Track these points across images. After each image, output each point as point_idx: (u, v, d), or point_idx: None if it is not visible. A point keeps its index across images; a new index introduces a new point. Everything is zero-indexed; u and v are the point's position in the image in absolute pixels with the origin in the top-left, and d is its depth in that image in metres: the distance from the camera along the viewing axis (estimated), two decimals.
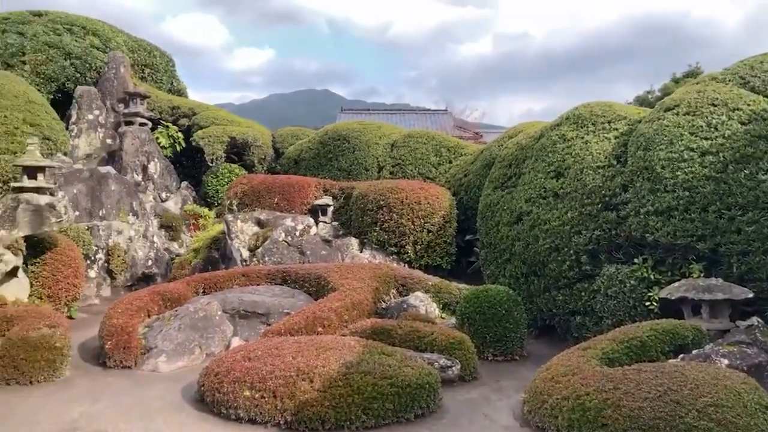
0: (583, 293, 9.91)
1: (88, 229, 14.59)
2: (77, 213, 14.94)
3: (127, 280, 15.33)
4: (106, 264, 14.87)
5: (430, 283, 11.74)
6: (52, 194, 14.30)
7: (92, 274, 14.62)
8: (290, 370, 7.09)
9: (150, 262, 15.91)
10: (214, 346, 9.72)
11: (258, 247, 12.94)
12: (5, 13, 19.58)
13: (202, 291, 11.36)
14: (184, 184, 19.78)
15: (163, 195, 18.58)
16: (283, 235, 13.28)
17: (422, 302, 11.16)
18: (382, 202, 13.74)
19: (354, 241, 13.97)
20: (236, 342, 10.00)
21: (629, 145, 10.02)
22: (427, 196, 13.69)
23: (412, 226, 13.54)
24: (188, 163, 20.89)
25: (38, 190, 11.78)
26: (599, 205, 9.89)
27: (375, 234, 13.78)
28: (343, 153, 17.99)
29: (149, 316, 10.10)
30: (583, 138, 10.88)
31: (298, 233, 13.54)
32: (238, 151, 20.19)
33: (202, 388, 7.44)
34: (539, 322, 10.86)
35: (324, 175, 17.60)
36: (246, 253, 12.94)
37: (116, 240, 15.12)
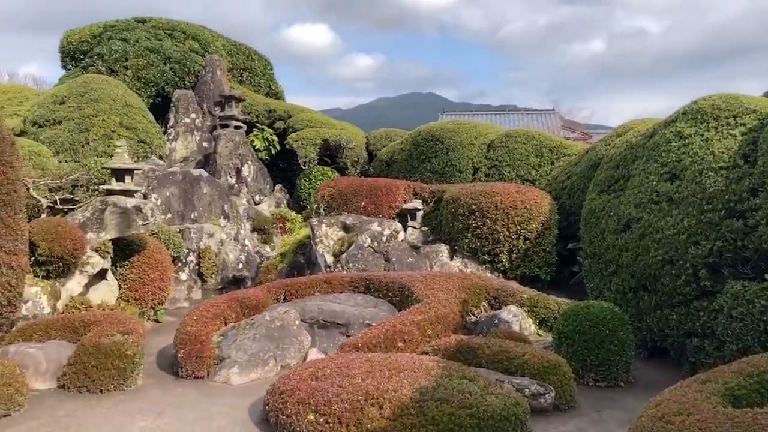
0: (701, 313, 8.60)
1: (179, 232, 14.64)
2: (170, 215, 15.04)
3: (217, 283, 15.27)
4: (197, 267, 14.87)
5: (525, 296, 10.74)
6: (145, 196, 14.45)
7: (183, 276, 14.65)
8: (358, 393, 6.41)
9: (240, 266, 15.79)
10: (290, 357, 9.22)
11: (342, 253, 12.40)
12: (112, 21, 20.25)
13: (283, 298, 10.93)
14: (278, 186, 19.67)
15: (257, 198, 18.52)
16: (368, 240, 12.67)
17: (516, 317, 10.21)
18: (474, 207, 12.83)
19: (444, 248, 13.15)
20: (313, 354, 9.48)
21: (760, 142, 8.61)
22: (524, 200, 12.65)
23: (507, 233, 12.55)
24: (284, 166, 20.77)
25: (126, 193, 11.81)
26: (722, 212, 8.56)
27: (466, 241, 12.89)
28: (436, 154, 17.19)
29: (226, 324, 9.75)
30: (702, 135, 9.53)
31: (384, 239, 12.89)
32: (331, 154, 19.86)
33: (267, 407, 6.91)
34: (649, 344, 9.60)
35: (416, 178, 16.87)
36: (330, 259, 12.43)
37: (207, 243, 15.10)
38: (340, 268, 12.23)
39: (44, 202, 12.28)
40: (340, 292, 11.10)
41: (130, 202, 11.59)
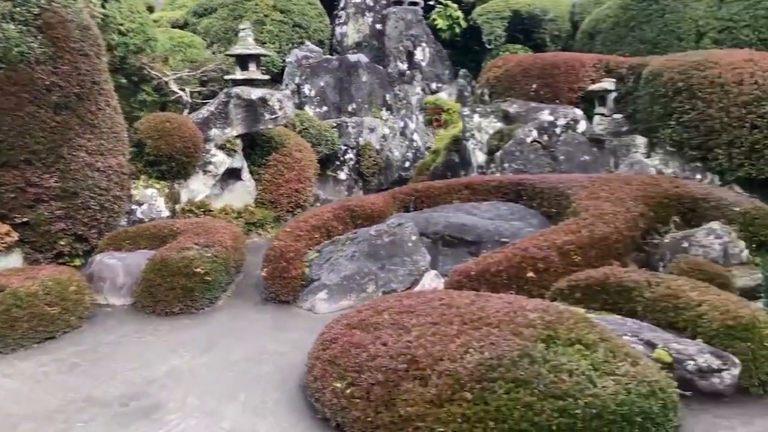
0: None
1: (335, 127, 13.28)
2: (325, 108, 13.73)
3: (381, 183, 13.88)
4: (356, 165, 13.51)
5: (736, 209, 7.58)
6: (299, 87, 13.21)
7: (342, 176, 13.46)
8: (401, 358, 4.47)
9: (407, 164, 14.17)
10: (397, 281, 7.45)
11: (499, 149, 10.00)
12: None
13: (413, 207, 9.06)
14: (462, 72, 17.21)
15: (434, 86, 16.36)
16: (534, 133, 10.02)
17: (718, 240, 7.24)
18: (680, 84, 9.41)
19: (639, 141, 10.04)
20: (430, 278, 7.64)
21: None
22: (754, 72, 8.89)
23: (726, 119, 9.01)
24: (476, 47, 18.12)
25: (251, 83, 10.58)
26: None
27: (668, 131, 9.61)
28: (648, 18, 13.34)
29: (330, 238, 8.20)
30: None
31: (557, 131, 10.13)
32: (525, 29, 16.77)
33: (307, 362, 5.24)
34: None
35: (623, 51, 13.34)
36: (482, 157, 10.11)
37: (368, 138, 13.61)
38: (494, 169, 9.90)
39: (184, 97, 11.64)
40: (484, 200, 8.92)
41: (254, 94, 10.36)
